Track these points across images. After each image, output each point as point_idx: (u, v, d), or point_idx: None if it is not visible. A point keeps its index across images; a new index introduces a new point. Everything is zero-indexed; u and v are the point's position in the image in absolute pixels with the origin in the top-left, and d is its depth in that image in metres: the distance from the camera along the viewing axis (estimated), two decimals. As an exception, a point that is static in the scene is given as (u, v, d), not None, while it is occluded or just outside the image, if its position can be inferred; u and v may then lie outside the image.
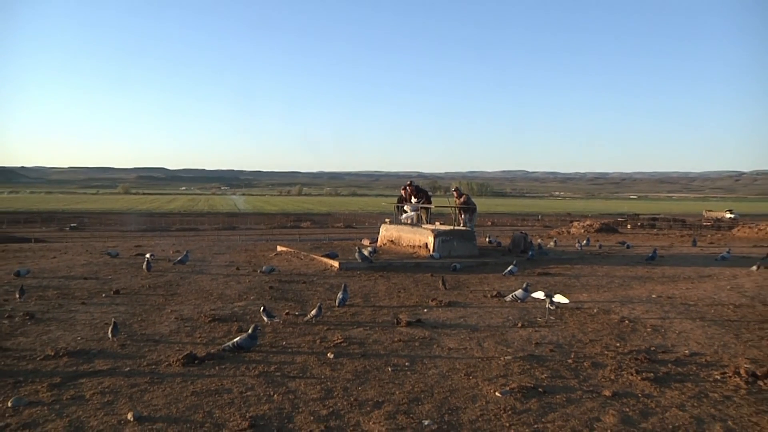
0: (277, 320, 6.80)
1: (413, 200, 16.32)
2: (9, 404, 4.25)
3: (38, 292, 8.77)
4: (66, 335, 6.27)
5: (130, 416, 4.03)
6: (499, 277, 10.74)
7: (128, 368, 5.14)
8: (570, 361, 5.42)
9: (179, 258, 12.13)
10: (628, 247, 17.22)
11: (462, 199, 15.65)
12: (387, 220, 16.63)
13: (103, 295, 8.66)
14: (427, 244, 13.41)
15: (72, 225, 56.93)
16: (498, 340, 6.19)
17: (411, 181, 16.90)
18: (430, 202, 16.56)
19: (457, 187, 16.84)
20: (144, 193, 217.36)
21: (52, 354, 5.50)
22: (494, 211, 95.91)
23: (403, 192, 16.83)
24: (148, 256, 12.03)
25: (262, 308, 6.93)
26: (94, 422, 3.99)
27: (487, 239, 17.90)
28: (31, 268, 10.90)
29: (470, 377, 4.96)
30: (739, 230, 27.65)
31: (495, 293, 8.88)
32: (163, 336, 6.30)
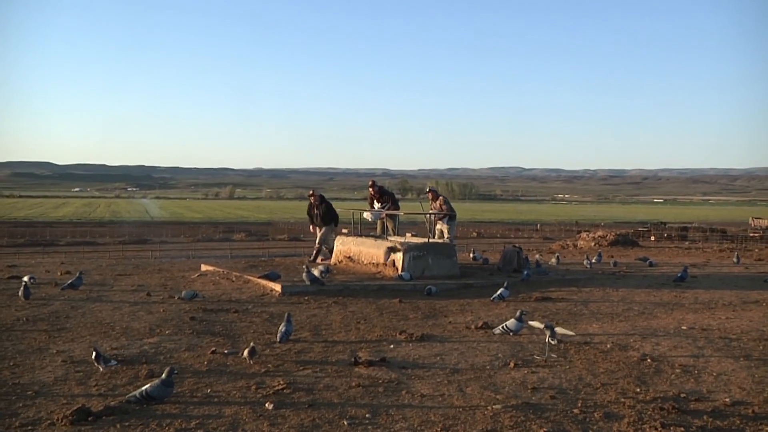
0: (113, 365, 6.52)
1: (376, 205, 16.36)
2: None
3: None
4: None
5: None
6: (485, 303, 10.82)
7: (-6, 431, 5.02)
8: (576, 411, 5.46)
9: (70, 281, 11.91)
10: (651, 264, 17.51)
11: (439, 202, 15.80)
12: (344, 230, 16.62)
13: (-39, 332, 8.45)
14: (394, 261, 13.43)
15: None
16: (484, 384, 6.21)
17: (374, 181, 16.95)
18: (397, 208, 16.63)
19: (431, 188, 16.97)
20: (22, 196, 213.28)
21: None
22: (480, 218, 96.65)
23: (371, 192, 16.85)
24: (26, 279, 11.80)
25: (94, 353, 6.52)
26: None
27: (472, 255, 18.02)
28: None
29: (449, 433, 4.96)
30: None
31: (480, 324, 8.93)
32: (45, 385, 6.16)
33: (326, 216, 16.05)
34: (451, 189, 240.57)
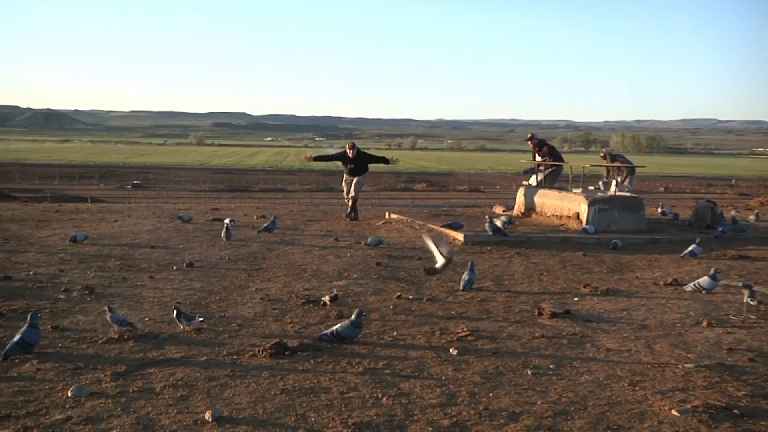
0: (197, 322, 6.23)
1: (537, 158, 16.17)
2: (69, 394, 4.58)
3: (98, 263, 9.40)
4: (131, 315, 6.67)
5: (207, 416, 4.24)
6: (675, 260, 10.38)
7: (205, 357, 5.42)
8: (779, 375, 5.15)
9: (265, 225, 12.56)
10: None
11: (617, 164, 16.09)
12: (525, 182, 16.44)
13: (174, 267, 9.16)
14: (578, 213, 13.14)
15: (134, 182, 60.60)
16: (674, 342, 6.00)
17: (532, 134, 16.70)
18: (558, 159, 16.23)
19: (607, 151, 17.19)
20: (221, 145, 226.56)
21: (116, 337, 5.87)
22: (669, 173, 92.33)
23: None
24: (227, 221, 12.52)
25: (175, 312, 6.22)
26: (165, 421, 4.23)
27: (660, 210, 17.34)
28: (89, 233, 11.65)
29: (636, 388, 4.84)
30: None
31: (670, 280, 8.60)
32: (247, 320, 6.59)
33: (364, 167, 15.33)
34: (638, 142, 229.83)
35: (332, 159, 16.19)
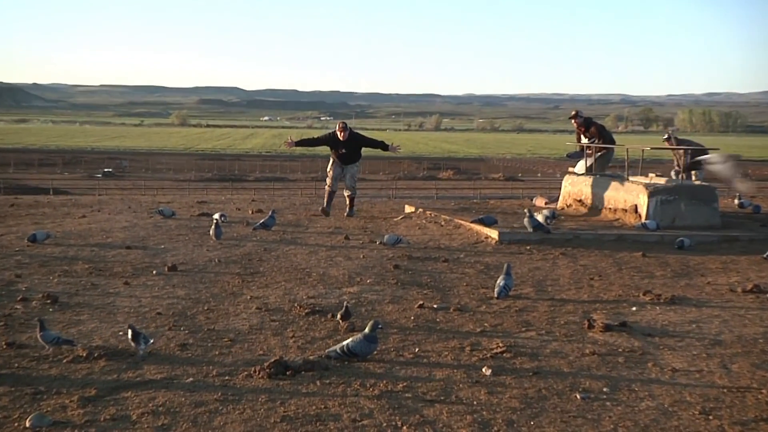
0: (152, 342, 6.03)
1: (583, 140, 16.04)
2: (27, 424, 4.54)
3: (63, 266, 9.42)
4: (103, 328, 6.69)
5: (194, 448, 4.24)
6: (756, 262, 10.30)
7: (191, 379, 5.42)
8: None
9: (262, 221, 12.55)
10: None
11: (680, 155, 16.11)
12: (571, 169, 16.38)
13: (154, 272, 9.17)
14: (636, 206, 13.05)
15: (106, 170, 61.12)
16: (756, 362, 5.94)
17: (577, 112, 16.58)
18: (608, 141, 16.15)
19: (669, 135, 17.39)
20: (209, 125, 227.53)
21: (84, 355, 5.85)
22: (748, 156, 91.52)
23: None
24: (216, 217, 12.55)
25: (129, 331, 5.95)
26: (143, 455, 4.25)
27: (737, 201, 17.22)
28: (51, 231, 11.66)
29: (710, 417, 4.80)
30: None
31: (750, 287, 8.51)
32: (240, 334, 6.59)
33: (357, 153, 15.13)
34: (710, 119, 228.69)
35: (319, 143, 15.86)
